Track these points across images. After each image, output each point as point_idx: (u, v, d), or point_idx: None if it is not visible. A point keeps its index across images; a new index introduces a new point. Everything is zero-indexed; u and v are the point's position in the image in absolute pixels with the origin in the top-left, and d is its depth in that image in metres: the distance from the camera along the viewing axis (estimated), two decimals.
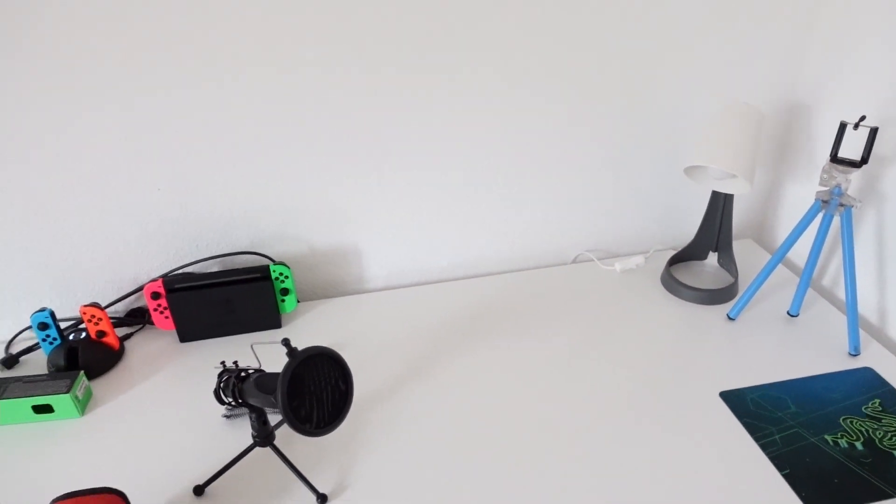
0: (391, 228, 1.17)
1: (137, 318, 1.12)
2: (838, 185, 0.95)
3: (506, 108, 1.08)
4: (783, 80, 1.16)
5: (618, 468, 0.82)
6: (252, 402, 0.74)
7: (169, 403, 0.95)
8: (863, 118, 0.91)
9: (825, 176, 0.95)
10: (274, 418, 0.89)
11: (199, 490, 0.81)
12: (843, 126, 0.93)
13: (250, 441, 0.87)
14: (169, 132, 0.99)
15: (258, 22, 0.93)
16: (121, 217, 1.05)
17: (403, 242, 1.19)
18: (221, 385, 0.79)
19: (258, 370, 0.78)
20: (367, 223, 1.15)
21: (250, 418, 0.79)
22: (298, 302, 1.16)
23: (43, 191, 0.99)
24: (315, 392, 0.69)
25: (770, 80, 1.15)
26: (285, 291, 1.08)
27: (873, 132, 0.91)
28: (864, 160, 0.92)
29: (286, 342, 0.67)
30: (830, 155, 0.95)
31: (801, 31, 1.11)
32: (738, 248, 1.30)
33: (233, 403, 0.78)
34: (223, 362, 0.81)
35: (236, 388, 0.76)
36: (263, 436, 0.80)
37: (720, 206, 1.12)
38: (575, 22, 1.02)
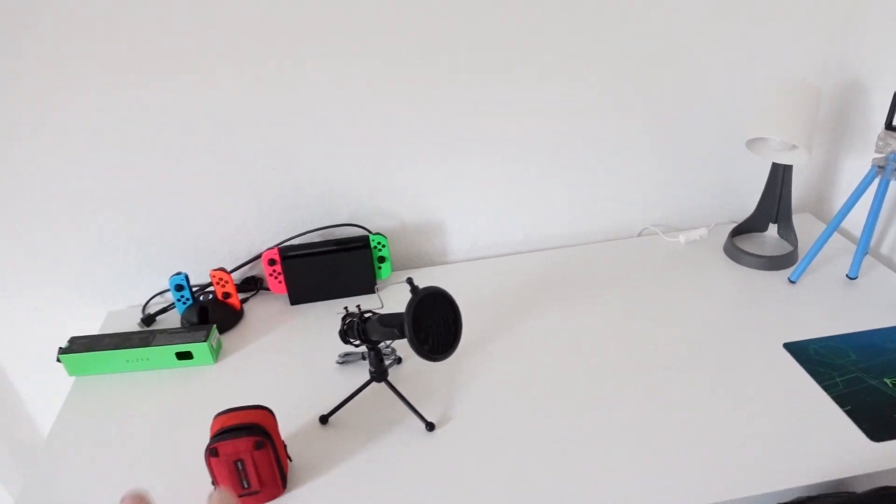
0: (472, 206, 1.29)
1: (251, 286, 1.27)
2: (894, 151, 1.02)
3: (576, 92, 1.19)
4: (836, 56, 1.23)
5: (691, 412, 0.92)
6: (375, 337, 0.87)
7: (287, 354, 1.10)
8: None
9: (881, 143, 1.03)
10: (387, 358, 1.02)
11: (324, 419, 0.95)
12: None
13: (361, 382, 1.00)
14: (284, 124, 1.13)
15: (367, 17, 1.07)
16: (239, 196, 1.20)
17: (483, 218, 1.31)
18: (346, 326, 0.92)
19: (375, 312, 0.91)
20: (451, 201, 1.28)
21: (369, 356, 0.92)
22: (392, 270, 1.29)
23: (171, 178, 1.15)
24: (432, 324, 0.81)
25: (823, 57, 1.23)
26: (382, 259, 1.22)
27: None
28: None
29: (410, 280, 0.80)
30: (886, 123, 1.03)
31: (851, 8, 1.19)
32: (798, 221, 1.37)
33: (356, 343, 0.92)
34: (346, 307, 0.94)
35: (360, 327, 0.89)
36: (380, 372, 0.93)
37: (780, 177, 1.21)
38: (635, 7, 1.13)
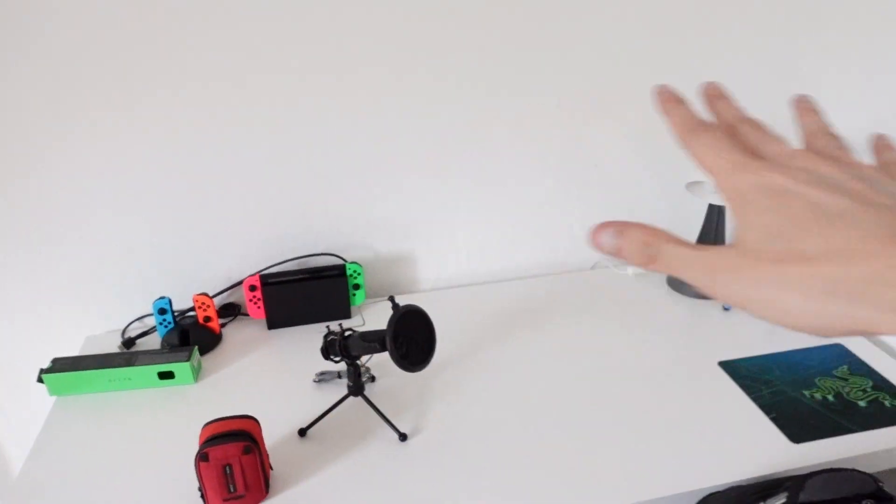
0: (440, 240, 1.40)
1: (229, 311, 1.33)
2: None
3: (548, 139, 1.33)
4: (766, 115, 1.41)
5: (639, 421, 1.03)
6: (355, 352, 0.96)
7: (266, 373, 1.16)
8: None
9: None
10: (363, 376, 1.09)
11: (302, 432, 1.01)
12: None
13: (338, 398, 1.07)
14: (265, 159, 1.23)
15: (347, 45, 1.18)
16: (221, 226, 1.27)
17: (450, 251, 1.42)
18: (327, 343, 1.00)
19: (355, 331, 0.99)
20: (420, 235, 1.38)
21: (348, 371, 1.00)
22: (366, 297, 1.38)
23: (153, 204, 1.22)
24: (410, 339, 0.90)
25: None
26: (357, 287, 1.30)
27: None
28: None
29: (392, 298, 0.89)
30: None
31: (786, 72, 1.37)
32: None
33: (337, 359, 0.99)
34: (328, 325, 1.02)
35: (341, 343, 0.97)
36: (357, 386, 1.01)
37: (715, 217, 1.36)
38: (607, 65, 1.28)
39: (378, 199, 1.32)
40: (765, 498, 0.76)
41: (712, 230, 1.38)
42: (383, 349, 0.91)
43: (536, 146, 1.34)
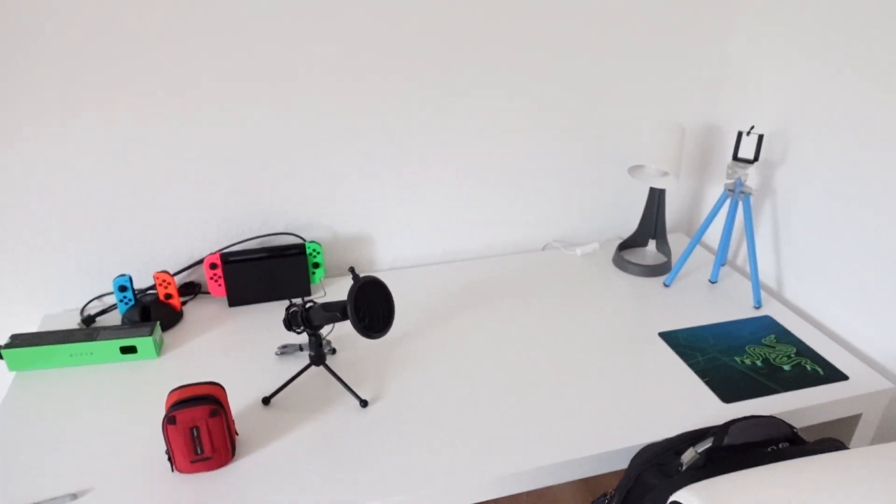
0: (396, 222, 1.45)
1: (190, 290, 1.35)
2: (739, 178, 1.28)
3: (500, 127, 1.39)
4: (704, 103, 1.51)
5: (585, 386, 1.10)
6: (317, 322, 1.00)
7: (228, 349, 1.19)
8: (752, 127, 1.26)
9: (729, 171, 1.29)
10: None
11: (266, 400, 1.05)
12: (739, 134, 1.27)
13: (299, 369, 1.11)
14: (227, 139, 1.25)
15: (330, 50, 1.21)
16: (181, 203, 1.29)
17: (406, 232, 1.47)
18: (290, 315, 1.04)
19: (315, 303, 1.04)
20: (378, 216, 1.43)
21: (310, 342, 1.04)
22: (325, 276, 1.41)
23: (115, 182, 1.24)
24: (369, 307, 0.95)
25: (695, 103, 1.50)
26: (316, 265, 1.34)
27: (760, 138, 1.25)
28: (756, 158, 1.25)
29: (352, 269, 0.94)
30: (732, 155, 1.28)
31: (716, 70, 1.47)
32: (672, 238, 1.63)
33: (299, 330, 1.03)
34: (290, 300, 1.06)
35: (304, 314, 1.01)
36: (319, 356, 1.05)
37: (656, 200, 1.45)
38: (549, 60, 1.35)
39: (337, 183, 1.36)
40: (693, 443, 0.83)
41: (653, 213, 1.47)
42: (344, 318, 0.95)
43: (489, 134, 1.40)
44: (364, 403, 1.04)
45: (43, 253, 1.25)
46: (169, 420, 0.87)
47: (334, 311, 0.96)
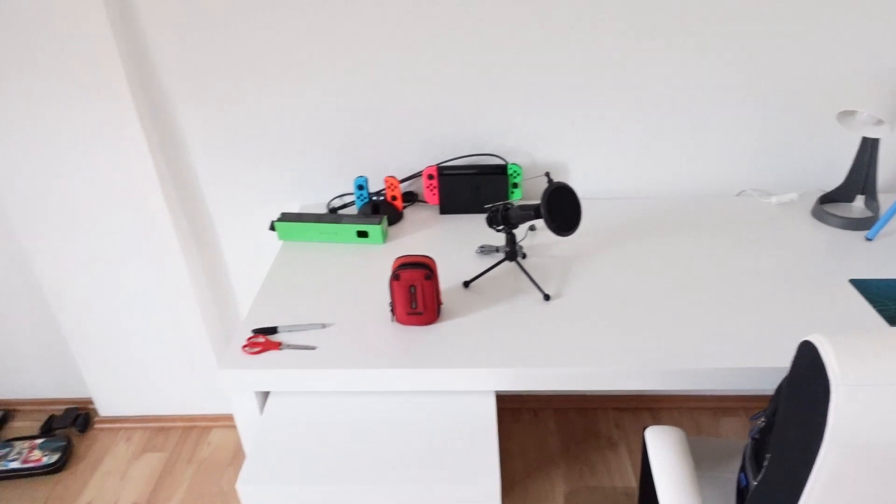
0: (591, 154, 1.57)
1: (409, 198, 1.61)
2: None
3: (692, 65, 1.44)
4: None
5: (757, 316, 1.15)
6: (514, 220, 1.18)
7: (438, 245, 1.42)
8: None
9: None
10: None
11: (466, 284, 1.26)
12: None
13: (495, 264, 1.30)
14: (450, 77, 1.46)
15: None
16: (411, 126, 1.54)
17: (600, 165, 1.58)
18: (491, 213, 1.23)
19: (513, 204, 1.21)
20: (574, 148, 1.56)
21: (506, 240, 1.22)
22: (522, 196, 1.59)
23: (362, 105, 1.51)
24: (560, 209, 1.10)
25: None
26: (515, 185, 1.52)
27: None
28: None
29: (548, 174, 1.10)
30: None
31: None
32: (884, 199, 1.54)
33: (499, 228, 1.22)
34: (490, 203, 1.25)
35: (503, 213, 1.20)
36: (513, 252, 1.23)
37: (867, 151, 1.39)
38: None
39: (540, 116, 1.51)
40: None
41: (863, 166, 1.41)
42: (538, 216, 1.12)
43: (682, 74, 1.45)
44: (547, 297, 1.21)
45: (303, 158, 1.59)
46: (395, 277, 1.11)
47: (529, 210, 1.13)
